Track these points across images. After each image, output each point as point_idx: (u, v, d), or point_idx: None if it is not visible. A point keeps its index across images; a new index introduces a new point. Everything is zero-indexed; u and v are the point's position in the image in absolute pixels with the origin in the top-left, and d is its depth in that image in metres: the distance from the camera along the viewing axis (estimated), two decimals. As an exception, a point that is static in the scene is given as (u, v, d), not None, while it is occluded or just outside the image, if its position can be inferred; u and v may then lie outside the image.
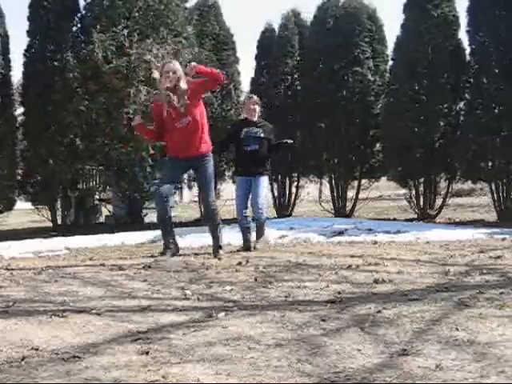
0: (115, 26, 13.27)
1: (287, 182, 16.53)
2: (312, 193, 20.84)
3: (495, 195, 12.96)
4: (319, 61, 15.12)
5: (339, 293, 3.64)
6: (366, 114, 14.87)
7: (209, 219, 5.86)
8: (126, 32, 13.36)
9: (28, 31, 14.57)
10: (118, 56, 12.67)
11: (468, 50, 13.48)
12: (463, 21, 13.26)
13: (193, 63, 5.51)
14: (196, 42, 14.52)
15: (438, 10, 13.43)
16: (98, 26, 12.90)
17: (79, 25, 14.56)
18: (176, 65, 5.52)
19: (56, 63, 14.11)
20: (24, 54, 14.63)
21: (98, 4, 13.64)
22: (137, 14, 13.51)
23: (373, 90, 15.04)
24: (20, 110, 15.30)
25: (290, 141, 6.91)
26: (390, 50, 15.08)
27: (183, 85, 5.42)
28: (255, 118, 6.68)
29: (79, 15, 14.56)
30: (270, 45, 16.40)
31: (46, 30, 14.29)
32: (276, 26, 16.68)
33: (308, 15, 16.30)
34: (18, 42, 15.54)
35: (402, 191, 15.62)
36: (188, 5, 15.18)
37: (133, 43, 12.62)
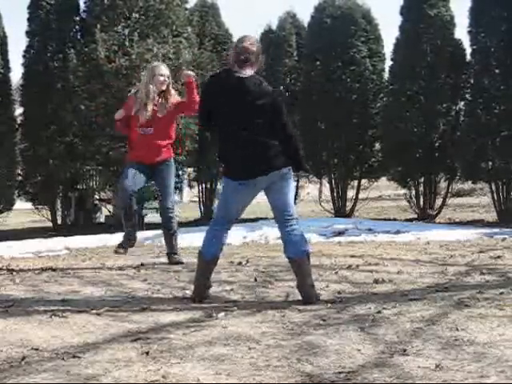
0: (116, 25, 13.27)
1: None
2: (312, 193, 20.85)
3: (495, 195, 12.95)
4: (316, 61, 15.14)
5: (339, 293, 3.64)
6: (365, 113, 14.87)
7: (164, 227, 5.37)
8: (126, 32, 13.36)
9: (27, 32, 14.57)
10: (120, 56, 12.67)
11: (469, 51, 13.51)
12: (465, 21, 13.27)
13: (191, 73, 5.33)
14: (196, 43, 14.53)
15: (433, 10, 13.45)
16: (99, 26, 12.90)
17: (79, 24, 14.55)
18: (167, 70, 5.37)
19: (56, 63, 14.12)
20: (23, 55, 14.63)
21: (98, 4, 13.64)
22: (137, 14, 13.50)
23: (371, 90, 15.05)
24: (20, 111, 15.31)
25: None
26: (386, 50, 15.14)
27: (173, 96, 5.26)
28: None
29: (79, 15, 14.56)
30: (267, 45, 16.40)
31: (45, 30, 14.30)
32: (274, 27, 16.68)
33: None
34: (18, 42, 15.55)
35: (402, 191, 15.61)
36: (188, 5, 15.18)
37: (133, 43, 12.63)
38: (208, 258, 3.60)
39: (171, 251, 5.33)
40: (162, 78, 5.17)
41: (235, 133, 3.52)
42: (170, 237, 5.32)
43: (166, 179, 5.32)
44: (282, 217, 3.60)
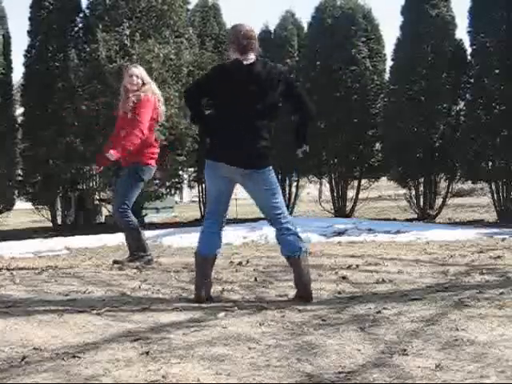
0: (118, 25, 13.27)
1: (287, 181, 16.52)
2: (312, 193, 20.84)
3: (495, 195, 12.96)
4: (317, 61, 15.14)
5: (339, 293, 3.64)
6: (365, 113, 14.88)
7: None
8: (128, 32, 13.36)
9: (29, 31, 14.57)
10: (121, 56, 12.67)
11: (469, 51, 13.52)
12: (464, 21, 13.31)
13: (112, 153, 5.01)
14: (197, 43, 14.54)
15: (435, 10, 13.46)
16: (101, 26, 12.90)
17: (81, 24, 14.54)
18: (142, 72, 5.27)
19: (57, 63, 14.12)
20: (25, 55, 14.63)
21: (100, 4, 13.64)
22: (139, 15, 13.50)
23: (371, 90, 15.05)
24: (20, 111, 15.31)
25: None
26: (387, 50, 15.14)
27: (137, 95, 5.11)
28: None
29: (82, 15, 14.55)
30: (268, 46, 16.38)
31: (47, 29, 14.30)
32: (274, 27, 16.67)
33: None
34: (18, 43, 15.56)
35: (402, 191, 15.62)
36: (189, 6, 15.18)
37: (135, 43, 12.63)
38: (204, 253, 3.55)
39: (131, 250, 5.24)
40: (131, 78, 5.12)
41: (240, 117, 3.47)
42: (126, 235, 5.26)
43: (122, 185, 5.24)
44: (273, 217, 3.57)
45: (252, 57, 3.54)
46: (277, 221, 3.55)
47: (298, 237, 3.56)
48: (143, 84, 5.15)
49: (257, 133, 3.49)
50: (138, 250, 5.11)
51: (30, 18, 14.55)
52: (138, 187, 5.18)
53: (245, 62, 3.52)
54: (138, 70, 5.24)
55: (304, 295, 3.44)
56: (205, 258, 3.56)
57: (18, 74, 15.54)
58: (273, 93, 3.52)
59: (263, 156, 3.53)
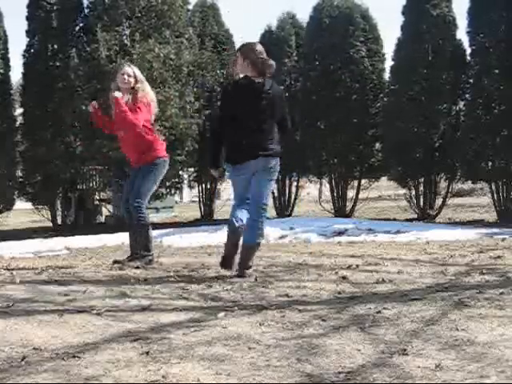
0: (117, 25, 13.27)
1: (287, 181, 16.53)
2: (312, 193, 20.85)
3: (495, 195, 12.97)
4: (316, 61, 15.13)
5: (339, 293, 3.64)
6: (365, 113, 14.88)
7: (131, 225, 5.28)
8: (128, 32, 13.36)
9: (27, 31, 14.57)
10: (122, 56, 12.67)
11: (469, 51, 13.51)
12: (464, 22, 13.33)
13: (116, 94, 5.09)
14: (197, 43, 14.53)
15: (436, 10, 13.46)
16: (100, 26, 12.90)
17: (81, 24, 14.54)
18: (136, 71, 5.23)
19: (57, 63, 14.12)
20: (23, 55, 14.62)
21: (100, 3, 13.63)
22: (139, 15, 13.50)
23: (371, 90, 15.05)
24: (20, 111, 15.31)
25: None
26: (387, 50, 15.13)
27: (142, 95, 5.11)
28: None
29: (82, 15, 14.54)
30: (267, 46, 16.38)
31: (46, 29, 14.30)
32: (273, 27, 16.65)
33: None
34: (17, 43, 15.57)
35: (402, 191, 15.62)
36: (189, 6, 15.18)
37: (135, 43, 12.63)
38: (237, 224, 4.21)
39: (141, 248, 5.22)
40: (123, 77, 5.10)
41: (248, 125, 4.19)
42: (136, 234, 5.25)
43: (142, 181, 5.18)
44: (255, 205, 4.26)
45: (262, 77, 4.22)
46: (257, 209, 4.29)
47: (263, 232, 4.38)
48: (136, 82, 5.12)
49: (263, 129, 4.25)
50: (142, 249, 5.09)
51: (27, 18, 14.56)
52: (154, 182, 5.22)
53: (256, 80, 4.19)
54: (131, 69, 5.22)
55: (240, 274, 4.20)
56: (236, 228, 4.25)
57: (17, 74, 15.56)
58: (272, 108, 4.22)
59: (267, 146, 4.27)
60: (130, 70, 5.21)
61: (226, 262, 4.31)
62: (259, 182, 4.24)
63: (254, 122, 4.18)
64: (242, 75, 4.29)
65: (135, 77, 5.15)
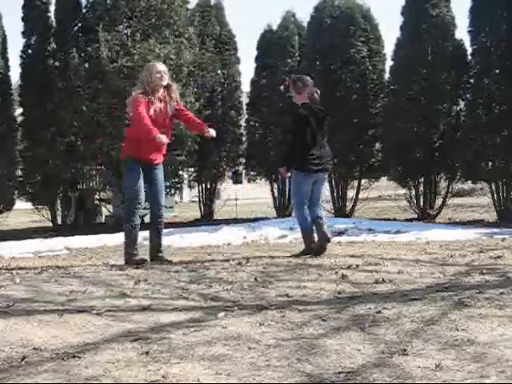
0: (118, 25, 13.26)
1: (287, 182, 16.52)
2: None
3: (495, 195, 12.96)
4: (316, 61, 15.12)
5: (339, 293, 3.64)
6: (365, 113, 14.86)
7: (155, 225, 5.50)
8: (128, 32, 13.35)
9: (23, 32, 14.57)
10: (122, 56, 12.67)
11: (469, 51, 13.51)
12: (464, 22, 13.34)
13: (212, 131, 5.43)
14: (197, 43, 14.51)
15: (435, 10, 13.46)
16: (101, 26, 12.89)
17: (81, 24, 14.52)
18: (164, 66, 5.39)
19: (57, 63, 14.11)
20: (21, 56, 14.62)
21: (100, 3, 13.63)
22: (139, 14, 13.49)
23: (371, 90, 15.04)
24: (19, 111, 15.30)
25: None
26: (387, 50, 15.10)
27: (175, 91, 5.32)
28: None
29: (81, 15, 14.53)
30: (269, 45, 16.37)
31: (44, 29, 14.29)
32: (275, 27, 16.65)
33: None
34: (17, 43, 15.57)
35: (402, 191, 15.61)
36: (190, 5, 15.16)
37: (135, 43, 12.62)
38: (312, 231, 5.59)
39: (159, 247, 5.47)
40: (162, 74, 5.20)
41: (317, 140, 5.46)
42: (160, 233, 5.53)
43: (162, 182, 5.44)
44: (319, 205, 5.69)
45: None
46: (318, 205, 5.71)
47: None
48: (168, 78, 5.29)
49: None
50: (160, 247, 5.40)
51: (22, 19, 14.56)
52: None
53: (314, 106, 5.53)
54: (164, 67, 5.37)
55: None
56: (312, 231, 5.62)
57: (16, 74, 15.55)
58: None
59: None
60: (164, 67, 5.34)
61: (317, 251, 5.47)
62: (320, 187, 5.65)
63: (322, 139, 5.52)
64: (303, 101, 5.48)
65: (166, 73, 5.29)
